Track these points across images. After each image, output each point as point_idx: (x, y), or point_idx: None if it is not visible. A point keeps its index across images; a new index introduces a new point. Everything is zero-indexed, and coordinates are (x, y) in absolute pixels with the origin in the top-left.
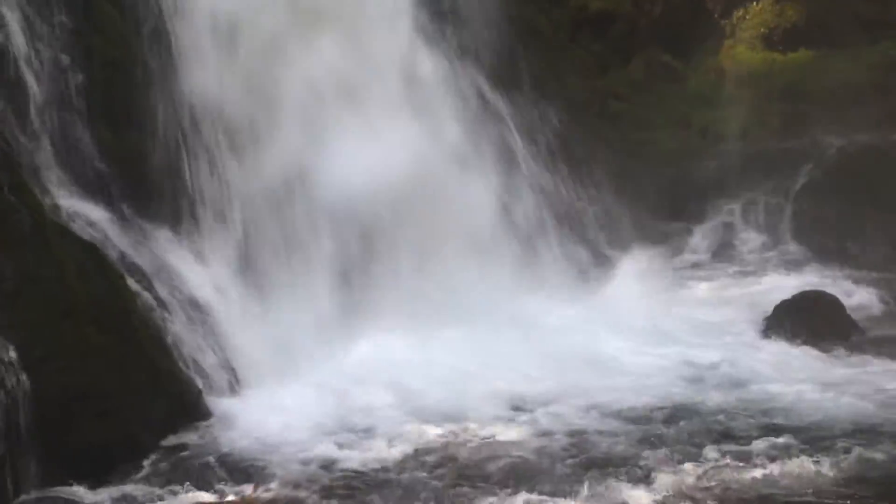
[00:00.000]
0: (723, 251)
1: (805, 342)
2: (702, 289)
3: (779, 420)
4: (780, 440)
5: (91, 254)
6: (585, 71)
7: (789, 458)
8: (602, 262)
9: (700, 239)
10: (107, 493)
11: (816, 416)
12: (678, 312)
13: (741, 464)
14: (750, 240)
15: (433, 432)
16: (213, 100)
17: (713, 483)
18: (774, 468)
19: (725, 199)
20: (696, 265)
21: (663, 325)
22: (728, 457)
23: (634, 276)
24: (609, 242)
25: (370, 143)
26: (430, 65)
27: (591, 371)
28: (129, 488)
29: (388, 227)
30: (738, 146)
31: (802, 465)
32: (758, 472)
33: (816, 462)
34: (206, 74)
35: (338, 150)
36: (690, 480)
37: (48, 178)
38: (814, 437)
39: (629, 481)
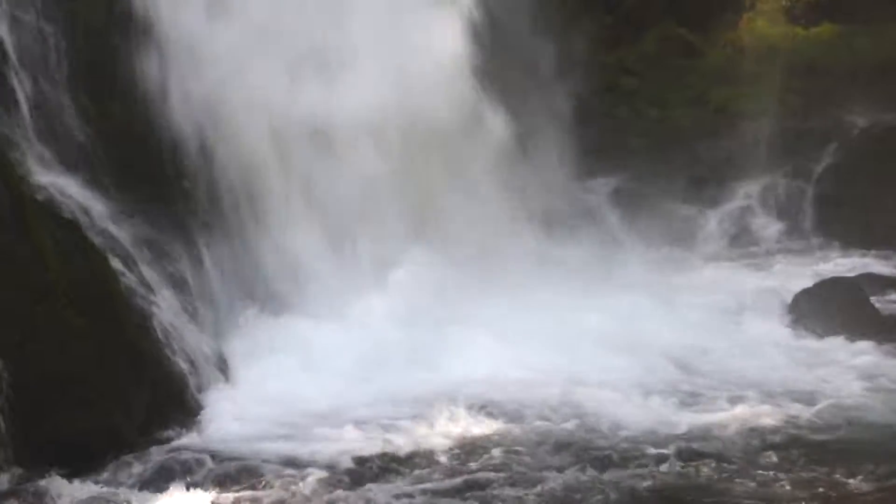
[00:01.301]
0: (740, 237)
1: (827, 333)
2: (717, 276)
3: (817, 428)
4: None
5: (71, 232)
6: (596, 45)
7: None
8: (614, 247)
9: (716, 224)
10: (85, 486)
11: (866, 420)
12: (692, 301)
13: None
14: (769, 225)
15: None
16: (203, 68)
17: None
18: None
19: (743, 182)
20: (711, 251)
21: (677, 315)
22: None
23: (646, 262)
24: (621, 226)
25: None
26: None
27: (600, 363)
28: (109, 482)
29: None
30: (757, 126)
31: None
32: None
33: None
34: (195, 42)
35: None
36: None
37: (26, 151)
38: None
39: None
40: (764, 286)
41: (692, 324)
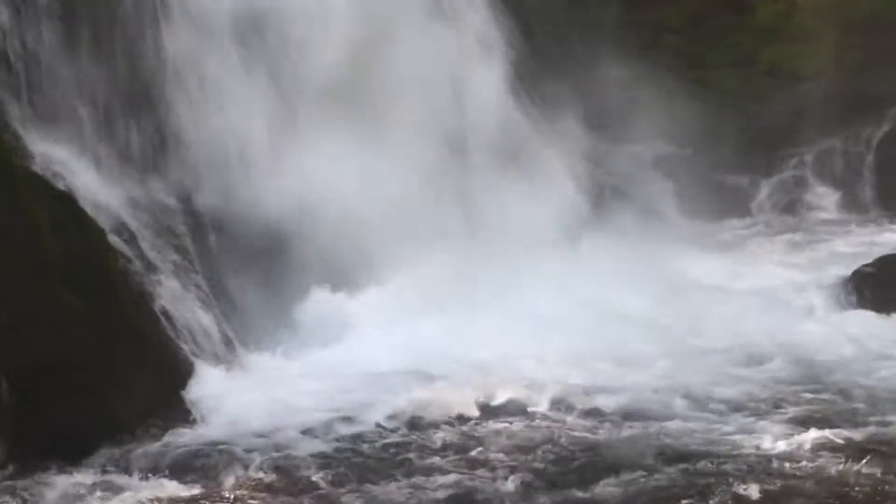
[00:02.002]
0: (793, 208)
1: (888, 312)
2: (768, 251)
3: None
4: None
5: (66, 205)
6: (635, 2)
7: None
8: (657, 221)
9: (767, 194)
10: (82, 478)
11: None
12: (741, 279)
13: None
14: (824, 195)
15: None
16: (204, 29)
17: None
18: None
19: (796, 149)
20: (761, 223)
21: (722, 293)
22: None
23: (693, 238)
24: (664, 198)
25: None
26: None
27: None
28: (108, 474)
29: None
30: (812, 87)
31: None
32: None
33: None
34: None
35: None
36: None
37: (17, 118)
38: None
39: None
40: (822, 264)
41: (750, 311)
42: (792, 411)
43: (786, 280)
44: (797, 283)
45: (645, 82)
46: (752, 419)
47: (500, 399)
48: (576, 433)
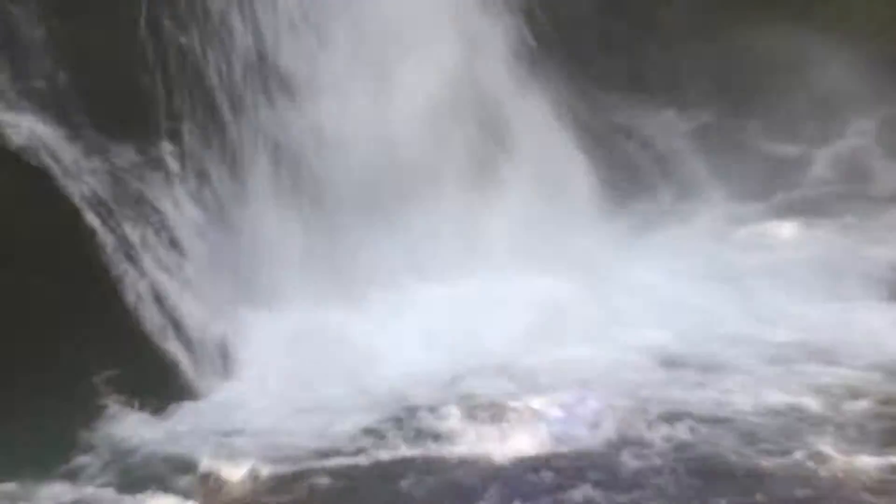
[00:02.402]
0: (851, 183)
1: None
2: (821, 233)
3: None
4: None
5: (38, 181)
6: None
7: None
8: (696, 201)
9: (822, 167)
10: (50, 492)
11: None
12: (798, 265)
13: None
14: (887, 169)
15: None
16: None
17: None
18: None
19: (856, 116)
20: (815, 201)
21: (764, 279)
22: None
23: (738, 220)
24: (705, 173)
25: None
26: None
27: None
28: (80, 487)
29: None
30: (874, 45)
31: None
32: None
33: None
34: None
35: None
36: None
37: None
38: None
39: None
40: (875, 248)
41: (817, 308)
42: (871, 427)
43: (850, 267)
44: (864, 270)
45: (683, 42)
46: (826, 436)
47: (537, 410)
48: (623, 457)
